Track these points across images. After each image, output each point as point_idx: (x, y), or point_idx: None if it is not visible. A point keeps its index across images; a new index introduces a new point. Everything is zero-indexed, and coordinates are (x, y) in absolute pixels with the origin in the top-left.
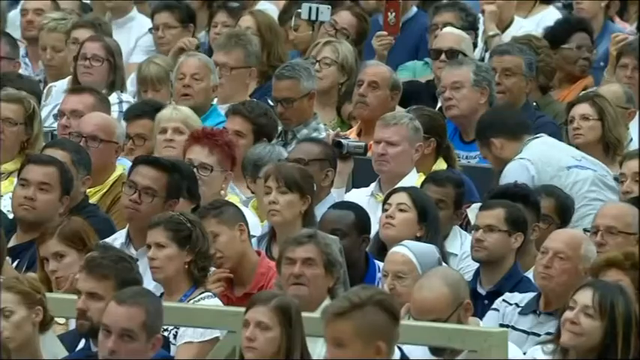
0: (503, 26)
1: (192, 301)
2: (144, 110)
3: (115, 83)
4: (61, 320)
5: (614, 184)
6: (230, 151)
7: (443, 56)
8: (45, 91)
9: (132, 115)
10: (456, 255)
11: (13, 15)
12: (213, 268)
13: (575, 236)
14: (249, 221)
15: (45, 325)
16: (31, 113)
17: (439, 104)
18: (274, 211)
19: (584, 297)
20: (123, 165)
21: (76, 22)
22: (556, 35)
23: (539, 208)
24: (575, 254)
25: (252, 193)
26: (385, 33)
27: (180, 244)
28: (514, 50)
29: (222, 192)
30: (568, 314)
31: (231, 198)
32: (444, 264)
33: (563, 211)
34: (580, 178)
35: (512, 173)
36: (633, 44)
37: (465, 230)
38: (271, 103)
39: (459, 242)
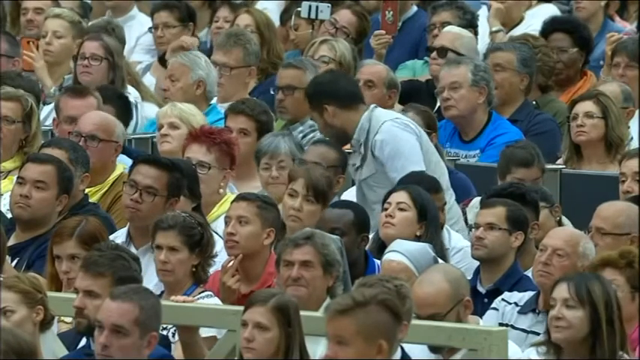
0: (513, 24)
1: None
2: None
3: (115, 82)
4: (68, 319)
5: None
6: (229, 149)
7: (434, 54)
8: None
9: None
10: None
11: None
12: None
13: (574, 234)
14: None
15: (45, 324)
16: (29, 111)
17: (438, 103)
18: (296, 218)
19: (561, 291)
20: (123, 164)
21: (86, 30)
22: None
23: (537, 207)
24: (573, 251)
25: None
26: (383, 32)
27: (191, 249)
28: (506, 46)
29: (221, 190)
30: (551, 312)
31: (230, 197)
32: (441, 261)
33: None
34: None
35: (394, 136)
36: (625, 42)
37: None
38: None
39: (447, 238)
